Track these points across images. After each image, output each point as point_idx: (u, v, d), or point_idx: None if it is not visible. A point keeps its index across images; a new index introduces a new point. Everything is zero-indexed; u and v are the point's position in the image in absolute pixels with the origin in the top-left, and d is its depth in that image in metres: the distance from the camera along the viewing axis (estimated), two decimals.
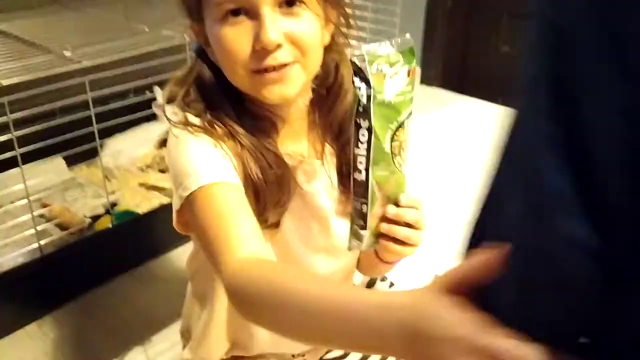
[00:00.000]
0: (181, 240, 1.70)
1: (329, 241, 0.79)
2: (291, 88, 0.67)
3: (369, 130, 0.59)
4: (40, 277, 1.41)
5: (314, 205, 0.76)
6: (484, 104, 2.85)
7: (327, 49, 0.72)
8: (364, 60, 0.59)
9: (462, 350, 0.33)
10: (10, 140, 1.19)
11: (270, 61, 0.64)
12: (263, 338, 0.82)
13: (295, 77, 0.67)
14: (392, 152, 0.60)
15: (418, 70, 0.58)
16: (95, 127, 1.31)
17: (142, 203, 1.74)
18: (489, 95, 2.86)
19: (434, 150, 2.32)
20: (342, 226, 0.78)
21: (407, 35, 0.61)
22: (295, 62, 0.66)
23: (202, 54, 0.72)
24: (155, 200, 1.75)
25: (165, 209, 1.68)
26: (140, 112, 1.58)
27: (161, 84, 1.86)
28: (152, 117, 2.10)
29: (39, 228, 1.39)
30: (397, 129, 0.60)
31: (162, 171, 1.93)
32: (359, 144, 0.60)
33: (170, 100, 0.72)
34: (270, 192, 0.70)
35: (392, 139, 0.60)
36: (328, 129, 0.76)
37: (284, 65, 0.65)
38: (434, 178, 2.13)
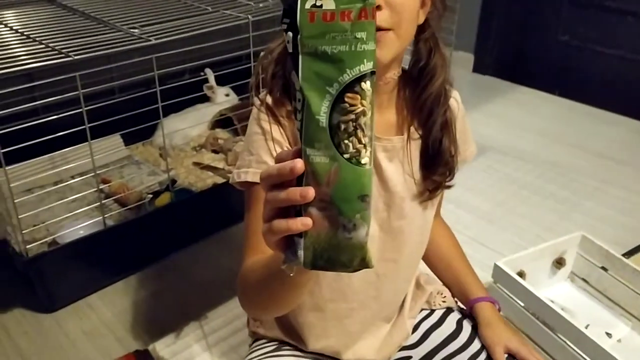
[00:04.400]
0: (236, 219, 1.72)
1: (398, 221, 0.78)
2: (385, 52, 0.66)
3: (301, 92, 0.42)
4: (102, 250, 1.45)
5: (387, 185, 0.76)
6: (540, 95, 2.77)
7: (420, 30, 0.72)
8: None
9: None
10: (68, 118, 1.22)
11: None
12: (310, 330, 0.83)
13: (390, 43, 0.66)
14: (333, 127, 0.42)
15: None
16: (160, 104, 1.33)
17: (197, 182, 1.77)
18: (545, 86, 2.77)
19: (487, 142, 2.27)
20: (413, 210, 0.78)
21: None
22: (390, 29, 0.65)
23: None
24: (209, 180, 1.77)
25: (220, 188, 1.70)
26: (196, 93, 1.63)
27: (224, 63, 1.90)
28: (206, 98, 2.14)
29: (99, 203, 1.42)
30: (341, 94, 0.41)
31: (215, 151, 1.95)
32: (297, 113, 0.43)
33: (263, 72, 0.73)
34: None
35: (335, 109, 0.41)
36: (416, 111, 0.76)
37: (379, 30, 0.64)
38: (486, 170, 2.08)
